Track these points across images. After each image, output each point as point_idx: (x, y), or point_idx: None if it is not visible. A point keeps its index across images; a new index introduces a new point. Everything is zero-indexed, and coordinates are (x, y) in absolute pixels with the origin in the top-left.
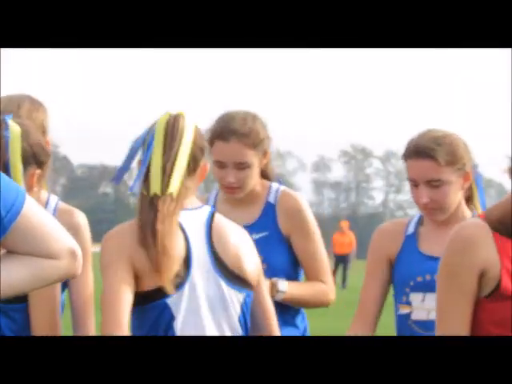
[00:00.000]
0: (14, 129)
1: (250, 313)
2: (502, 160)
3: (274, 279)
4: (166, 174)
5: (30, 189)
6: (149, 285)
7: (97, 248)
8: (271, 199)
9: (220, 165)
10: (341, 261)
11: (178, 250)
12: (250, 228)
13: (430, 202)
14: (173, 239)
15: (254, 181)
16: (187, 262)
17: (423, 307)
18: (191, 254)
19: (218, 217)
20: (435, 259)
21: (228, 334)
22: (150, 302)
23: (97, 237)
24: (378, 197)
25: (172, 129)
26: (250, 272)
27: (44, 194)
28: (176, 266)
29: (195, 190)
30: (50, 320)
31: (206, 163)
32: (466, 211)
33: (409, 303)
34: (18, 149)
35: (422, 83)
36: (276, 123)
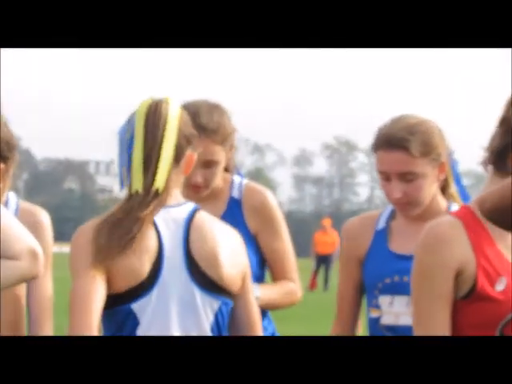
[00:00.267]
0: None
1: (234, 320)
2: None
3: None
4: (151, 168)
5: None
6: (116, 288)
7: (62, 248)
8: (235, 194)
9: None
10: (323, 261)
11: (150, 249)
12: None
13: (403, 197)
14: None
15: (219, 177)
16: (158, 264)
17: (392, 311)
18: (163, 256)
19: (202, 215)
20: (405, 258)
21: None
22: (115, 306)
23: (62, 236)
24: (363, 193)
25: (154, 116)
26: (229, 278)
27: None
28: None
29: (179, 184)
30: (14, 320)
31: (193, 153)
32: (442, 203)
33: (378, 306)
34: None
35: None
36: (254, 114)
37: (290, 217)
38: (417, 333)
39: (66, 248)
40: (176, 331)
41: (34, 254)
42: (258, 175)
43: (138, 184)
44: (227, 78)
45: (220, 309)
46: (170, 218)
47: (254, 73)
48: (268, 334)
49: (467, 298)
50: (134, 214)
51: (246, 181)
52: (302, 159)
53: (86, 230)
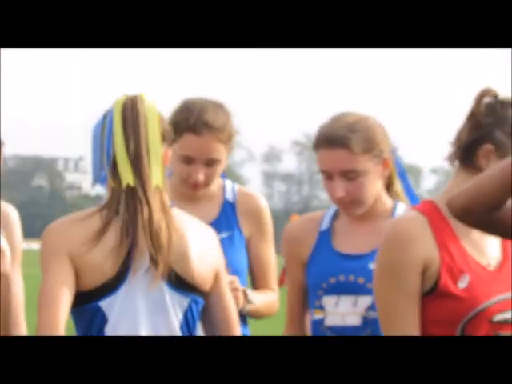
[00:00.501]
0: None
1: (209, 319)
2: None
3: (246, 288)
4: (142, 164)
5: None
6: (85, 285)
7: (31, 245)
8: (229, 198)
9: (187, 160)
10: None
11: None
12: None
13: (346, 196)
14: (173, 232)
15: (218, 177)
16: (126, 261)
17: (337, 312)
18: (132, 252)
19: (173, 211)
20: (351, 257)
21: None
22: (84, 303)
23: (31, 233)
24: None
25: (131, 113)
26: (199, 275)
27: None
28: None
29: None
30: None
31: (168, 149)
32: (387, 201)
33: (322, 308)
34: None
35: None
36: None
37: None
38: (385, 332)
39: (35, 245)
40: (144, 329)
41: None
42: (226, 172)
43: (128, 178)
44: (196, 74)
45: (190, 307)
46: None
47: (222, 69)
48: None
49: (430, 294)
50: (153, 208)
51: (237, 185)
52: (271, 156)
53: (57, 227)
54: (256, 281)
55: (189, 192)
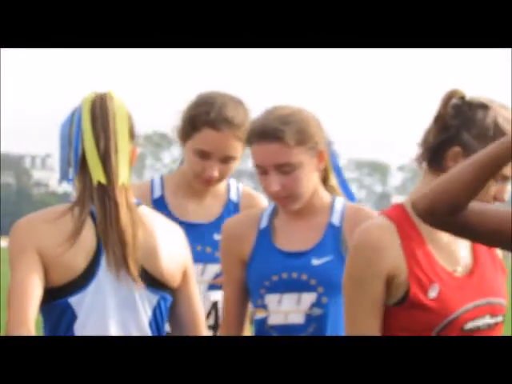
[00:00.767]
0: None
1: (176, 316)
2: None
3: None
4: (110, 161)
5: None
6: (54, 281)
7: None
8: (233, 197)
9: (204, 155)
10: None
11: (87, 243)
12: (211, 226)
13: (282, 190)
14: (138, 230)
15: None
16: (95, 258)
17: (280, 310)
18: (101, 250)
19: (141, 210)
20: (292, 255)
21: None
22: (53, 300)
23: None
24: None
25: (101, 111)
26: (168, 272)
27: None
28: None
29: None
30: None
31: (135, 147)
32: (325, 196)
33: (264, 306)
34: None
35: (350, 69)
36: None
37: None
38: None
39: (3, 242)
40: (114, 326)
41: None
42: None
43: (99, 175)
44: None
45: (159, 304)
46: None
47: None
48: None
49: (400, 304)
50: (120, 205)
51: (240, 184)
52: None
53: (25, 223)
54: None
55: (199, 187)
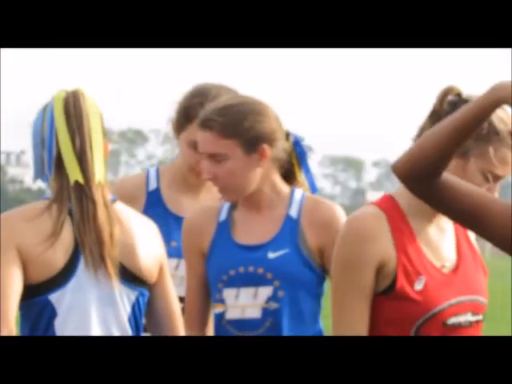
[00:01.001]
0: None
1: (153, 312)
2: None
3: None
4: (86, 159)
5: None
6: (33, 278)
7: None
8: None
9: (197, 147)
10: None
11: (65, 240)
12: None
13: (215, 180)
14: (116, 227)
15: None
16: (74, 255)
17: (237, 304)
18: (81, 246)
19: (118, 206)
20: (249, 248)
21: (116, 335)
22: (33, 297)
23: None
24: None
25: (74, 109)
26: (146, 268)
27: None
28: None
29: None
30: None
31: (107, 143)
32: (284, 189)
33: (222, 301)
34: None
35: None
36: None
37: None
38: (333, 327)
39: None
40: (94, 322)
41: None
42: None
43: (76, 174)
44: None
45: (137, 300)
46: None
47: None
48: None
49: (386, 294)
50: (98, 204)
51: None
52: None
53: (3, 220)
54: None
55: (193, 180)
